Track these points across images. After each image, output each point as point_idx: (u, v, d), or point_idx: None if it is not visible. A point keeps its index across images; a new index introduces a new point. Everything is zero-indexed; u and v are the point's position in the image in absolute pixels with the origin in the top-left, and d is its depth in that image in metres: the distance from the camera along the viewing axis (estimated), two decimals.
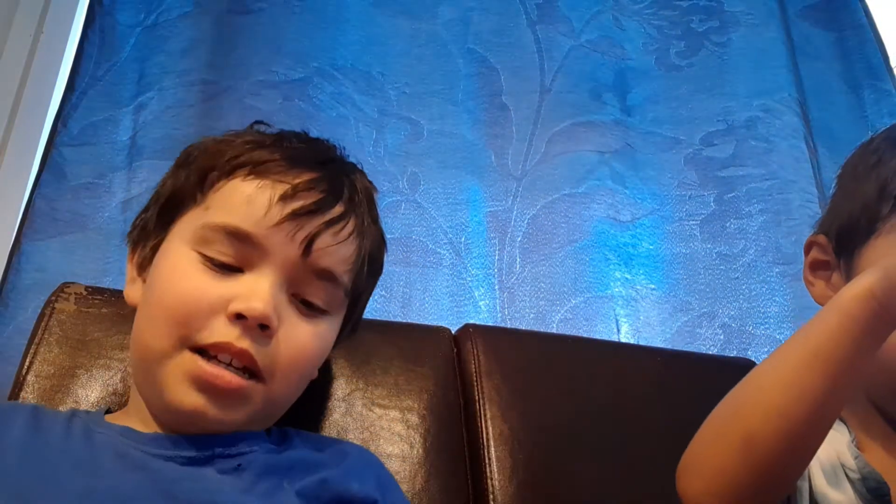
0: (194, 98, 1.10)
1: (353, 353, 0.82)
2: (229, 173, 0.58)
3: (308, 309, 0.58)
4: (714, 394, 0.95)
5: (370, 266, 0.65)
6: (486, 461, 0.80)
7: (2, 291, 0.96)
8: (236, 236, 0.56)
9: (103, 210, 1.04)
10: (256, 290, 0.54)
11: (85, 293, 0.77)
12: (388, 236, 1.12)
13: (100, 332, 0.75)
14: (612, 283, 1.17)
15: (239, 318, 0.53)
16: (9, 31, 1.16)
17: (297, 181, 0.57)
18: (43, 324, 0.74)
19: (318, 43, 1.19)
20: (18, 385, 0.70)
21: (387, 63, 1.22)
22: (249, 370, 0.54)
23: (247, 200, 0.56)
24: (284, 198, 0.56)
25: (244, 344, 0.53)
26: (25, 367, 0.71)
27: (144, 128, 1.08)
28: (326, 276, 0.58)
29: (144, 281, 0.60)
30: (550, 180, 1.21)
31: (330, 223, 0.58)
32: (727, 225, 1.21)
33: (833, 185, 0.76)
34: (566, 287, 1.15)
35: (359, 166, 0.68)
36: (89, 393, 0.72)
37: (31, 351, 0.72)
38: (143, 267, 0.61)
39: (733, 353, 1.12)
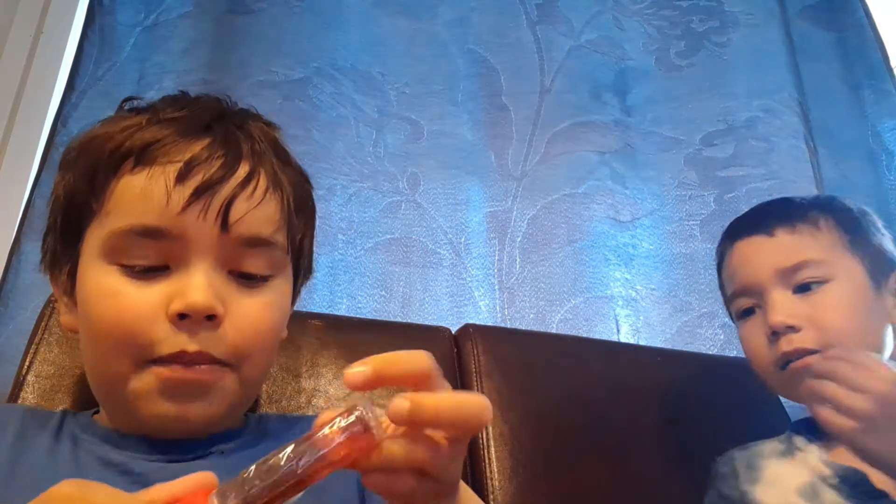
0: None
1: (352, 353, 0.82)
2: (115, 169, 0.53)
3: (250, 281, 0.55)
4: (714, 394, 0.96)
5: (299, 210, 0.60)
6: (486, 461, 0.80)
7: (2, 291, 0.96)
8: (147, 235, 0.52)
9: None
10: (190, 284, 0.51)
11: None
12: (387, 236, 1.14)
13: None
14: (612, 283, 1.17)
15: (182, 317, 0.50)
16: (9, 31, 1.16)
17: (189, 155, 0.53)
18: (43, 324, 0.74)
19: (318, 43, 1.19)
20: (18, 385, 0.70)
21: (387, 63, 1.21)
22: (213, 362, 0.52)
23: (142, 195, 0.52)
24: (180, 178, 0.52)
25: (196, 346, 0.51)
26: (25, 367, 0.71)
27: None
28: (256, 242, 0.54)
29: (76, 304, 0.56)
30: (550, 181, 1.21)
31: (240, 187, 0.53)
32: (727, 225, 1.21)
33: None
34: (566, 287, 1.15)
35: (252, 110, 0.63)
36: (89, 393, 0.72)
37: (31, 351, 0.72)
38: (69, 293, 0.57)
39: (733, 354, 1.12)
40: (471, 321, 0.98)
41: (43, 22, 1.19)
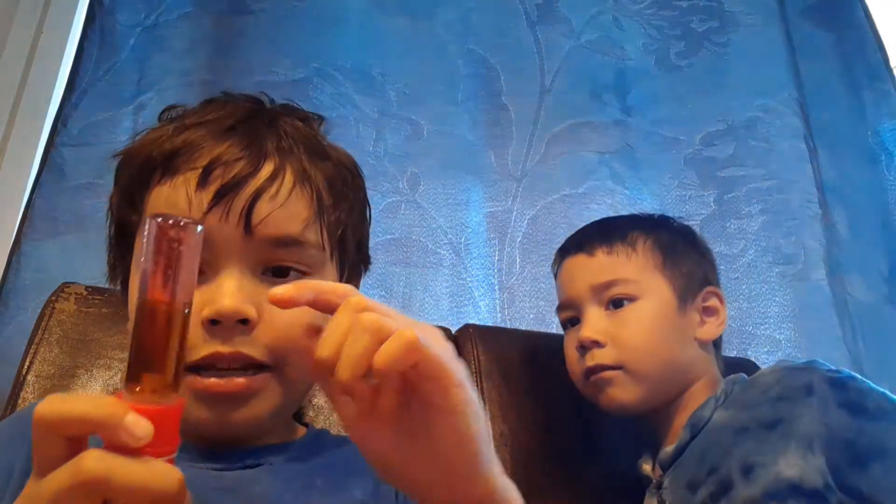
0: (194, 98, 1.07)
1: None
2: (147, 184, 0.54)
3: (285, 279, 0.53)
4: None
5: (339, 202, 0.58)
6: None
7: (2, 291, 0.96)
8: None
9: (103, 210, 1.04)
10: (220, 290, 0.50)
11: (85, 293, 0.77)
12: (387, 236, 1.14)
13: (100, 332, 0.75)
14: None
15: (214, 323, 0.49)
16: (9, 31, 1.16)
17: (208, 160, 0.52)
18: (43, 324, 0.74)
19: (318, 43, 1.19)
20: (18, 385, 0.70)
21: (387, 63, 1.21)
22: (254, 365, 0.51)
23: (167, 205, 0.52)
24: (200, 183, 0.51)
25: (231, 347, 0.50)
26: (25, 367, 0.71)
27: (144, 128, 1.08)
28: (286, 242, 0.53)
29: None
30: (550, 181, 1.21)
31: (262, 189, 0.52)
32: (727, 225, 1.21)
33: None
34: None
35: (293, 104, 0.61)
36: (89, 393, 0.72)
37: (31, 351, 0.72)
38: (125, 303, 0.58)
39: (733, 354, 1.12)
40: (471, 321, 0.98)
41: (43, 21, 1.20)
